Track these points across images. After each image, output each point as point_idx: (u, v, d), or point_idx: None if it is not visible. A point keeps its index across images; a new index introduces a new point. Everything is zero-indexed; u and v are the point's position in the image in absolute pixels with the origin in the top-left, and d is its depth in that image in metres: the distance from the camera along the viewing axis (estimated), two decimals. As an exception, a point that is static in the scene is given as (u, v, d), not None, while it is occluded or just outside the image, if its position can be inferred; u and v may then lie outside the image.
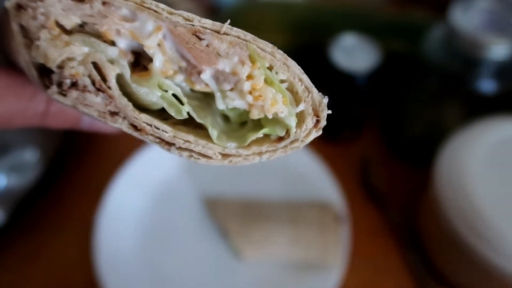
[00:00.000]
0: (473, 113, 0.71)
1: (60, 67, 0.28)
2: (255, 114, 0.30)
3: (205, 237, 0.72)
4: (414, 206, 0.75)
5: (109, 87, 0.28)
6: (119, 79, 0.29)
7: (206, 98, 0.31)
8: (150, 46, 0.28)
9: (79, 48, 0.28)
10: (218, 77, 0.29)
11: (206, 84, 0.29)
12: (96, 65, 0.28)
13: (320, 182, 0.76)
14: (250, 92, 0.29)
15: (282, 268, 0.69)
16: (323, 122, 0.31)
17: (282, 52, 0.30)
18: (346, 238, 0.70)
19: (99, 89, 0.28)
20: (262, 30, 0.86)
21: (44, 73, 0.28)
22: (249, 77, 0.29)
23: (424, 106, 0.80)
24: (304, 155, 0.78)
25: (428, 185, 0.68)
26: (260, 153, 0.31)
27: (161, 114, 0.30)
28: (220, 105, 0.30)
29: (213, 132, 0.30)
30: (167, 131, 0.30)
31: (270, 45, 0.30)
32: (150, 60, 0.29)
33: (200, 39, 0.29)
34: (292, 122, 0.30)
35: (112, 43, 0.28)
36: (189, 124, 0.31)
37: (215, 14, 0.96)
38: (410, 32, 0.85)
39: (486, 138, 0.64)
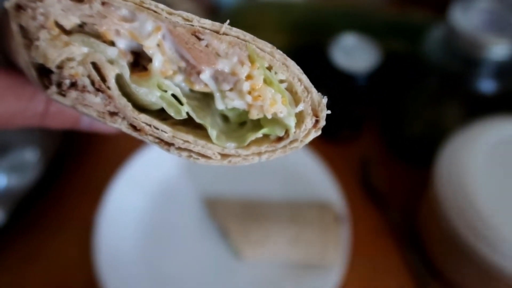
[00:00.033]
0: (473, 113, 0.71)
1: (60, 67, 0.28)
2: (254, 114, 0.30)
3: (205, 237, 0.72)
4: (414, 206, 0.75)
5: (109, 87, 0.28)
6: (119, 79, 0.29)
7: (206, 98, 0.31)
8: (150, 46, 0.28)
9: (79, 48, 0.28)
10: (218, 77, 0.29)
11: (206, 84, 0.29)
12: (95, 65, 0.28)
13: (320, 182, 0.76)
14: (249, 92, 0.29)
15: (282, 268, 0.69)
16: (322, 122, 0.31)
17: (281, 52, 0.30)
18: (346, 238, 0.70)
19: (98, 89, 0.28)
20: (262, 30, 0.86)
21: (44, 73, 0.28)
22: (248, 77, 0.29)
23: (424, 106, 0.80)
24: (304, 155, 0.78)
25: (428, 185, 0.68)
26: (259, 153, 0.31)
27: (161, 114, 0.30)
28: (220, 105, 0.30)
29: (212, 132, 0.30)
30: (166, 131, 0.30)
31: (269, 45, 0.30)
32: (150, 60, 0.29)
33: (199, 39, 0.29)
34: (291, 122, 0.30)
35: (112, 43, 0.28)
36: (189, 124, 0.31)
37: (215, 14, 0.96)
38: (410, 32, 0.84)
39: (486, 138, 0.64)
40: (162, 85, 0.29)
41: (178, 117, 0.30)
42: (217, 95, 0.30)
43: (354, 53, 0.75)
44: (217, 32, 0.29)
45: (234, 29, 0.29)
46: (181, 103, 0.30)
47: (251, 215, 0.73)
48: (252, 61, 0.29)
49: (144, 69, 0.29)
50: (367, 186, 0.80)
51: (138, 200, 0.74)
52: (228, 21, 0.29)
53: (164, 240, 0.71)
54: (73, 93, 0.28)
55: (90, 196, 0.73)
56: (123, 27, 0.28)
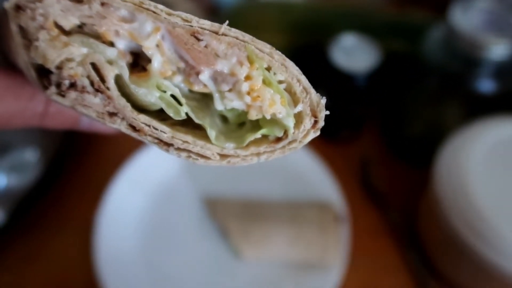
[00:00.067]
0: (472, 113, 0.71)
1: (59, 68, 0.28)
2: (253, 115, 0.30)
3: (205, 237, 0.72)
4: (414, 206, 0.75)
5: (108, 88, 0.28)
6: (118, 80, 0.29)
7: (205, 99, 0.31)
8: (149, 47, 0.28)
9: (78, 49, 0.28)
10: (217, 78, 0.29)
11: (205, 85, 0.29)
12: (94, 66, 0.28)
13: (320, 182, 0.76)
14: (248, 93, 0.29)
15: (282, 268, 0.69)
16: (321, 123, 0.31)
17: (280, 53, 0.30)
18: (346, 238, 0.70)
19: (97, 90, 0.28)
20: (262, 30, 0.86)
21: (43, 73, 0.28)
22: (247, 78, 0.29)
23: (424, 106, 0.80)
24: (304, 155, 0.78)
25: (428, 185, 0.68)
26: (258, 154, 0.31)
27: (160, 114, 0.30)
28: (219, 105, 0.30)
29: (212, 133, 0.30)
30: (166, 132, 0.30)
31: (268, 46, 0.30)
32: (149, 61, 0.29)
33: (198, 40, 0.29)
34: (290, 122, 0.30)
35: (111, 44, 0.28)
36: (188, 124, 0.31)
37: (215, 14, 0.96)
38: (410, 32, 0.85)
39: (485, 138, 0.64)
40: (161, 86, 0.29)
41: (177, 118, 0.30)
42: (216, 96, 0.30)
43: (354, 53, 0.75)
44: (216, 33, 0.29)
45: (233, 29, 0.29)
46: (180, 103, 0.30)
47: (251, 215, 0.73)
48: (251, 61, 0.29)
49: (143, 69, 0.29)
50: (367, 186, 0.80)
51: (138, 200, 0.74)
52: (227, 21, 0.29)
53: (164, 240, 0.71)
54: (72, 94, 0.28)
55: (90, 196, 0.73)
56: (123, 28, 0.28)
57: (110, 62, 0.29)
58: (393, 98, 0.86)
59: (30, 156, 0.71)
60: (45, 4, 0.27)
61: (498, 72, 0.69)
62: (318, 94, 0.30)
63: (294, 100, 0.31)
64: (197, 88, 0.30)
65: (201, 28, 0.29)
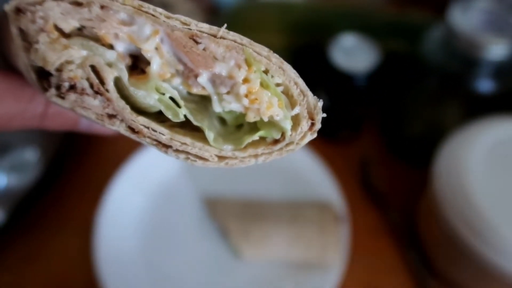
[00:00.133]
0: (472, 113, 0.71)
1: (59, 70, 0.28)
2: (251, 117, 0.30)
3: (205, 237, 0.72)
4: (414, 206, 0.75)
5: (107, 90, 0.29)
6: (117, 82, 0.29)
7: (203, 101, 0.31)
8: (148, 50, 0.28)
9: (78, 52, 0.28)
10: (215, 80, 0.30)
11: (203, 87, 0.30)
12: (94, 68, 0.28)
13: (320, 182, 0.76)
14: (246, 95, 0.29)
15: (282, 268, 0.70)
16: (318, 125, 0.31)
17: (277, 56, 0.30)
18: (345, 238, 0.70)
19: (97, 92, 0.28)
20: (262, 30, 0.86)
21: (43, 76, 0.29)
22: (245, 80, 0.29)
23: (424, 106, 0.80)
24: (304, 155, 0.78)
25: (427, 185, 0.69)
26: (256, 156, 0.31)
27: (159, 116, 0.30)
28: (217, 108, 0.30)
29: (210, 135, 0.30)
30: (164, 134, 0.30)
31: (266, 49, 0.30)
32: (148, 63, 0.29)
33: (197, 43, 0.29)
34: (288, 125, 0.30)
35: (110, 47, 0.29)
36: (186, 126, 0.31)
37: (215, 15, 0.96)
38: (409, 32, 0.85)
39: (485, 138, 0.64)
40: (160, 88, 0.29)
41: (175, 120, 0.30)
42: (214, 98, 0.30)
43: (353, 53, 0.76)
44: (215, 36, 0.29)
45: (231, 33, 0.30)
46: (178, 105, 0.30)
47: (251, 215, 0.73)
48: (249, 64, 0.29)
49: (143, 72, 0.29)
50: (367, 186, 0.80)
51: (138, 200, 0.74)
52: (225, 25, 0.29)
53: (164, 240, 0.72)
54: (72, 96, 0.28)
55: (90, 196, 0.74)
56: (122, 31, 0.28)
57: (110, 65, 0.29)
58: (392, 98, 0.86)
59: (30, 156, 0.71)
60: (45, 7, 0.27)
61: (497, 72, 0.69)
62: (315, 96, 0.31)
63: (292, 102, 0.31)
64: (195, 90, 0.30)
65: (200, 31, 0.29)
